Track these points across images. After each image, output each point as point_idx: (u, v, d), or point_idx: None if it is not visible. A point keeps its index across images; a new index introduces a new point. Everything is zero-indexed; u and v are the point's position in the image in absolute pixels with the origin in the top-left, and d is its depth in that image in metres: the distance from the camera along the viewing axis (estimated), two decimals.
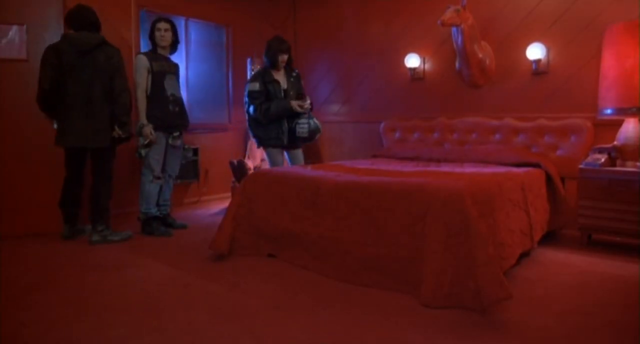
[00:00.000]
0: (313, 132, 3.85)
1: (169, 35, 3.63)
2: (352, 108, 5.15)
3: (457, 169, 3.32)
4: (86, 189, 3.52)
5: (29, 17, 3.59)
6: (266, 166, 4.91)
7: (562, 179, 3.56)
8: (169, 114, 3.62)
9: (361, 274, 2.54)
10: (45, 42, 3.37)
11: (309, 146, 5.35)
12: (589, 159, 3.25)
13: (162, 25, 3.62)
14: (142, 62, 3.54)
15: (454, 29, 3.83)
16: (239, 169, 4.54)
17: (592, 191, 3.17)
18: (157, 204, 3.76)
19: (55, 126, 3.35)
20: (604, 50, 3.28)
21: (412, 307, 2.23)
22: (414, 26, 4.58)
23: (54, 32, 3.55)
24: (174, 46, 3.76)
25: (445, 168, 3.39)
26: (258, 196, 3.09)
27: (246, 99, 3.90)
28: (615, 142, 3.25)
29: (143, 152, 3.56)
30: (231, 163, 4.62)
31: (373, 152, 4.52)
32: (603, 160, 3.17)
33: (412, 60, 4.50)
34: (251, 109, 3.85)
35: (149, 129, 3.51)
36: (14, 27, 3.51)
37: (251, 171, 4.36)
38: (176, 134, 3.70)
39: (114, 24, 4.24)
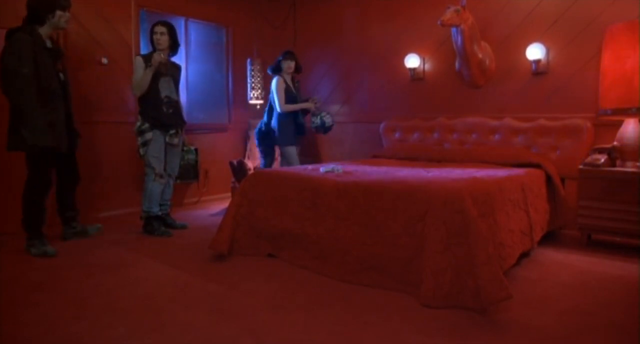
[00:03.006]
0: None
1: (164, 40, 3.65)
2: (352, 108, 5.15)
3: (457, 169, 3.32)
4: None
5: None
6: None
7: (562, 179, 3.56)
8: (163, 115, 3.64)
9: (361, 274, 2.55)
10: None
11: (309, 146, 5.36)
12: (589, 159, 3.25)
13: (159, 28, 3.64)
14: (138, 63, 3.62)
15: (453, 29, 3.83)
16: (239, 169, 4.54)
17: (592, 191, 3.17)
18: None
19: None
20: (604, 51, 3.28)
21: (412, 307, 2.23)
22: (414, 26, 4.58)
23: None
24: (173, 49, 3.77)
25: (445, 168, 3.39)
26: (258, 196, 3.09)
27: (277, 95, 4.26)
28: (615, 143, 3.25)
29: (142, 150, 3.61)
30: (231, 163, 4.62)
31: (373, 152, 4.52)
32: (603, 160, 3.17)
33: (412, 61, 4.50)
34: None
35: (158, 56, 3.52)
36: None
37: (251, 171, 4.36)
38: (172, 131, 3.71)
39: (114, 24, 4.25)
